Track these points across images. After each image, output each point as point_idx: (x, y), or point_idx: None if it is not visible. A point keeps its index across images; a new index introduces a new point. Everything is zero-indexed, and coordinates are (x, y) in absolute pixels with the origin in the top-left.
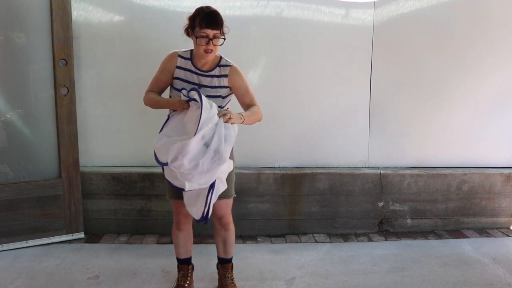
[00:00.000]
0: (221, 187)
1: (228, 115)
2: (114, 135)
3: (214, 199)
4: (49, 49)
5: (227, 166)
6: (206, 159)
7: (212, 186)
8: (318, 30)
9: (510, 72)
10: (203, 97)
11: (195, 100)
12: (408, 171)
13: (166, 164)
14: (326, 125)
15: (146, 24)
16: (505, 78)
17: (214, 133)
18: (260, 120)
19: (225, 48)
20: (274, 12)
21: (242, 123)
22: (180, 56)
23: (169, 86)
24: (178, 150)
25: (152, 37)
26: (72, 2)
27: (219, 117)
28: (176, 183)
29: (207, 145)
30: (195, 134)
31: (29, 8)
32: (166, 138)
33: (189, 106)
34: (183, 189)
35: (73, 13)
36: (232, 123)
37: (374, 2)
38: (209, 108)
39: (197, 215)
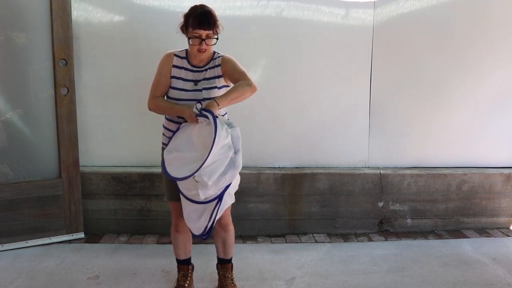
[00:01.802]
0: (228, 200)
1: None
2: (114, 135)
3: (219, 213)
4: (49, 49)
5: (236, 181)
6: (224, 171)
7: (220, 200)
8: (318, 30)
9: (510, 72)
10: (218, 120)
11: (206, 117)
12: (408, 171)
13: (174, 179)
14: (326, 125)
15: (146, 24)
16: (505, 78)
17: (228, 148)
18: (250, 92)
19: (226, 48)
20: (274, 12)
21: (220, 108)
22: (175, 55)
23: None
24: (197, 172)
25: (152, 37)
26: (72, 2)
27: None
28: (190, 194)
29: (221, 160)
30: (210, 152)
31: (29, 8)
32: (176, 153)
33: (197, 121)
34: (193, 201)
35: (73, 13)
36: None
37: (374, 2)
38: (223, 126)
39: (198, 231)
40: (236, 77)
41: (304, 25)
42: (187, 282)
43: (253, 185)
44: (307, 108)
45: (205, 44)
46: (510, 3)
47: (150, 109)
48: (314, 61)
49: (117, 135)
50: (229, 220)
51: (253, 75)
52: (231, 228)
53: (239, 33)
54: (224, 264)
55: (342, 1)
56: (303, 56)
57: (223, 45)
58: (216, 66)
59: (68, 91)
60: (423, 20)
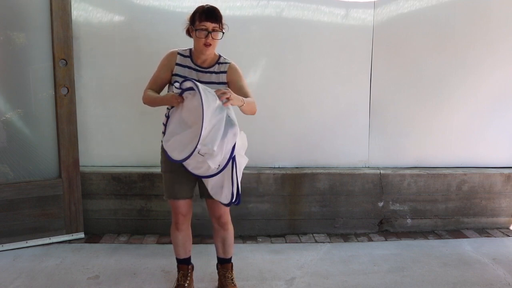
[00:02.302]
0: (242, 161)
1: (228, 94)
2: (114, 135)
3: (240, 174)
4: (49, 49)
5: (241, 140)
6: (224, 132)
7: (233, 162)
8: (318, 30)
9: (510, 72)
10: (198, 83)
11: (189, 89)
12: (408, 171)
13: (181, 161)
14: (326, 125)
15: (146, 24)
16: (505, 78)
17: (220, 109)
18: (254, 113)
19: (226, 48)
20: (274, 12)
21: (240, 106)
22: (179, 54)
23: (168, 84)
24: (199, 143)
25: (152, 37)
26: (72, 2)
27: (219, 96)
28: (201, 171)
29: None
30: (203, 119)
31: (29, 8)
32: (173, 137)
33: (183, 99)
34: (208, 176)
35: (73, 13)
36: (231, 104)
37: (374, 2)
38: (206, 90)
39: (227, 199)
40: (244, 94)
41: (304, 25)
42: (187, 282)
43: (253, 185)
44: (307, 108)
45: (211, 37)
46: (510, 3)
47: (143, 102)
48: (314, 61)
49: (117, 135)
50: (228, 218)
51: (253, 75)
52: (231, 227)
53: (239, 33)
54: (224, 264)
55: (342, 1)
56: (303, 56)
57: (223, 45)
58: (222, 72)
59: (68, 91)
60: (423, 20)
